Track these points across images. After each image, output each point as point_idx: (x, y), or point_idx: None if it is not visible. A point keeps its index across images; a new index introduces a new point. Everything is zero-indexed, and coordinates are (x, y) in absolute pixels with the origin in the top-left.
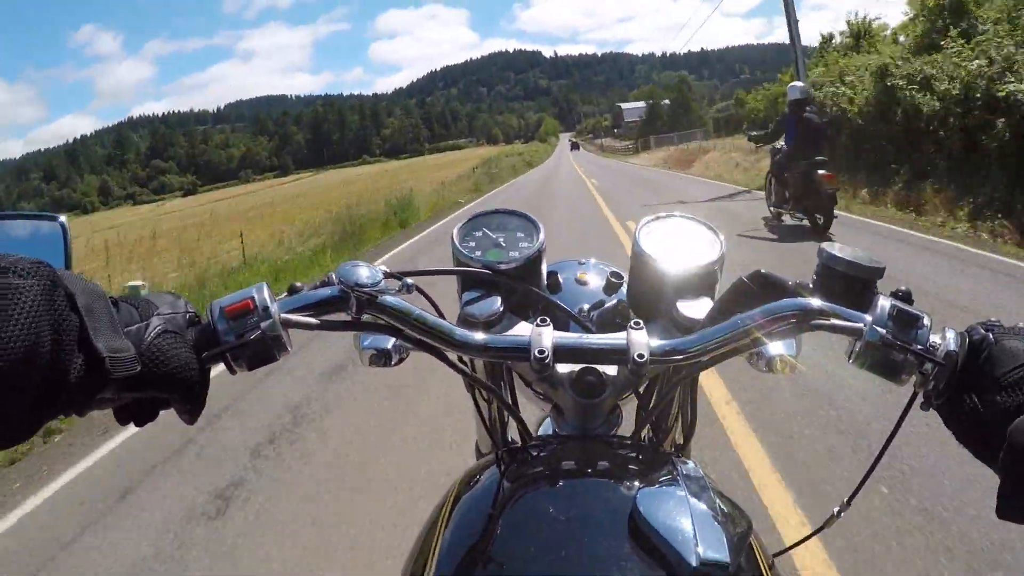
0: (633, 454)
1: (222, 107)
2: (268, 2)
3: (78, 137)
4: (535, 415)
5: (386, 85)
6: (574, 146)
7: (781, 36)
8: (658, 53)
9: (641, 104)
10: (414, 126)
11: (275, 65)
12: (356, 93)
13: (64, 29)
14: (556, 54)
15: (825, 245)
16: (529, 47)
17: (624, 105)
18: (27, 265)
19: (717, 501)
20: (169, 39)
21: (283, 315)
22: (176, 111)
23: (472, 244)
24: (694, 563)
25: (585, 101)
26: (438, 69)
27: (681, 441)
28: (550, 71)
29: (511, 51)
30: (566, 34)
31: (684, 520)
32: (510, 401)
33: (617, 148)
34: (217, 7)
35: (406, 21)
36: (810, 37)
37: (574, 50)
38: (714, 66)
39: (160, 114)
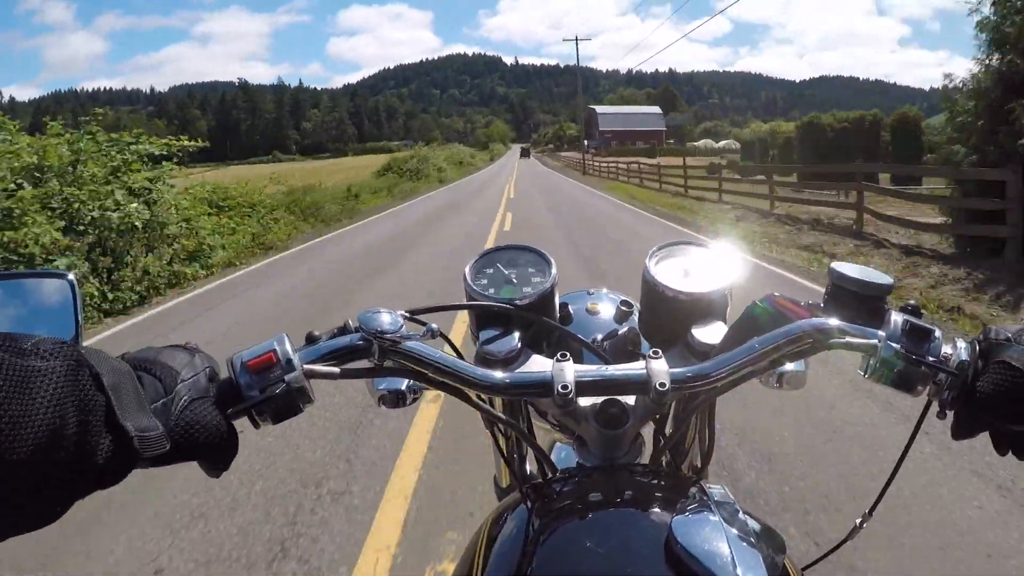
0: (662, 482)
1: (165, 90)
2: None
3: None
4: (544, 444)
5: (343, 83)
6: (524, 153)
7: (744, 66)
8: (623, 71)
9: (629, 110)
10: (339, 121)
11: (233, 51)
12: (309, 87)
13: None
14: (517, 61)
15: (835, 264)
16: (491, 53)
17: (599, 109)
18: (49, 346)
19: (749, 523)
20: (124, 14)
21: (306, 366)
22: (108, 88)
23: (484, 282)
24: None
25: (544, 110)
26: (391, 67)
27: (699, 464)
28: (509, 78)
29: (470, 54)
30: (530, 45)
31: (721, 544)
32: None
33: (616, 168)
34: None
35: (368, 19)
36: (778, 70)
37: (537, 61)
38: (682, 88)
39: (90, 90)
